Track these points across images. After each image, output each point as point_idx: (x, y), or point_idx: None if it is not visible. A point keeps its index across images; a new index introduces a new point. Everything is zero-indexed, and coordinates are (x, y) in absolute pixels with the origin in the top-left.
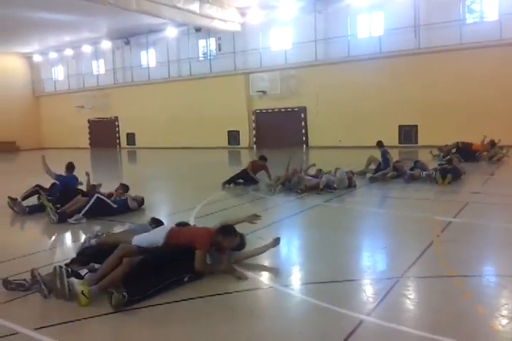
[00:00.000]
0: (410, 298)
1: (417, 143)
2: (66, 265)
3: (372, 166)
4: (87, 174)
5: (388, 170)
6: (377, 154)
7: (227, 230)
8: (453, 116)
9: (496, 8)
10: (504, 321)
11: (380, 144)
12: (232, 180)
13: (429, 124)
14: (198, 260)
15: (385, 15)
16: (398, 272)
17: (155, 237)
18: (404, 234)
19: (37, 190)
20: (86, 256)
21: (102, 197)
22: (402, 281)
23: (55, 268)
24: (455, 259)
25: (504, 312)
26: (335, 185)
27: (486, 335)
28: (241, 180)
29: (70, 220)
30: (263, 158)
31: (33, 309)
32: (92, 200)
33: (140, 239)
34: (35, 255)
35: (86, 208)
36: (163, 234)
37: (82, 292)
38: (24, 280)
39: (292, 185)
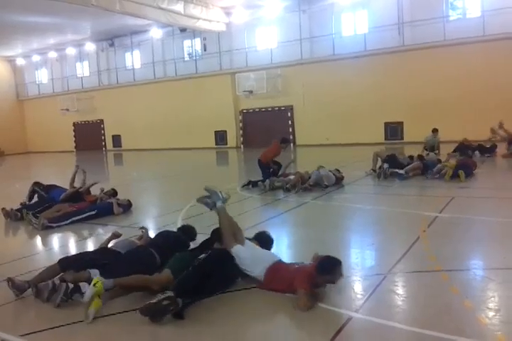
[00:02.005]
0: (398, 293)
1: (402, 139)
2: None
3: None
4: (84, 172)
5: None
6: (380, 150)
7: (327, 269)
8: (438, 112)
9: (478, 5)
10: (491, 313)
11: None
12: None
13: (414, 121)
14: (301, 299)
15: (369, 13)
16: (385, 268)
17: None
18: (391, 230)
19: (34, 189)
20: (86, 260)
21: (93, 212)
22: (390, 277)
23: (53, 283)
24: (441, 254)
25: (490, 305)
26: (326, 183)
27: (473, 328)
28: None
29: (54, 225)
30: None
31: (19, 315)
32: (85, 215)
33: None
34: (21, 260)
35: (76, 218)
36: (264, 269)
37: (94, 285)
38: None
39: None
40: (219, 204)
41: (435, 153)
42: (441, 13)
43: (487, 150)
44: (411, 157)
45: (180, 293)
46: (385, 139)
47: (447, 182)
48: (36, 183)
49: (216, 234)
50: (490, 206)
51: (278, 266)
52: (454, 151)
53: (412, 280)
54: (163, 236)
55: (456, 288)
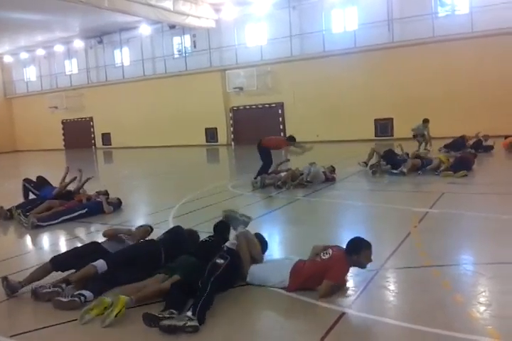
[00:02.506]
0: (390, 289)
1: (392, 135)
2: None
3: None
4: (80, 170)
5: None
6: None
7: (355, 248)
8: (427, 108)
9: (466, 2)
10: (482, 308)
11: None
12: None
13: (404, 117)
14: (325, 291)
15: (358, 9)
16: (377, 264)
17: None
18: (382, 226)
19: (24, 184)
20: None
21: (83, 211)
22: (381, 273)
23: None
24: (432, 249)
25: (481, 300)
26: (308, 179)
27: (465, 323)
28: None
29: (43, 223)
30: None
31: (9, 315)
32: (76, 214)
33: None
34: (11, 259)
35: (66, 217)
36: (287, 274)
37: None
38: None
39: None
40: (240, 229)
41: (427, 149)
42: (430, 10)
43: (483, 147)
44: (408, 154)
45: (202, 320)
46: (375, 136)
47: (441, 178)
48: (26, 180)
49: (221, 233)
50: (479, 201)
51: (300, 265)
52: (446, 147)
53: (403, 276)
54: (175, 233)
55: (448, 283)
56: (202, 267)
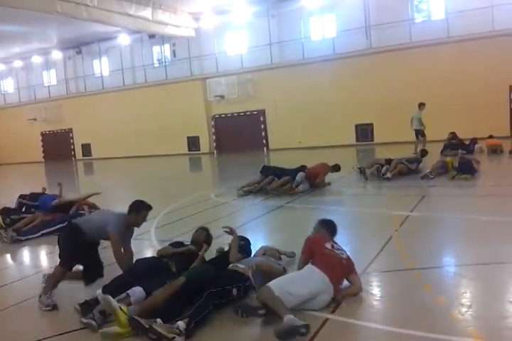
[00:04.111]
0: (373, 293)
1: (373, 140)
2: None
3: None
4: (60, 184)
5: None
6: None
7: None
8: (406, 112)
9: (442, 7)
10: (463, 309)
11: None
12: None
13: (384, 122)
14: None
15: (336, 17)
16: (360, 268)
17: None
18: (365, 230)
19: (21, 202)
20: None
21: (63, 224)
22: (364, 277)
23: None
24: (414, 252)
25: (463, 301)
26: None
27: (447, 324)
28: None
29: (23, 238)
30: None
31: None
32: (55, 228)
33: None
34: None
35: (46, 231)
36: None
37: (120, 307)
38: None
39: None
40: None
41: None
42: (406, 16)
43: (465, 147)
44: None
45: (190, 335)
46: (356, 141)
47: (422, 182)
48: (21, 196)
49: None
50: (459, 203)
51: (326, 268)
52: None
53: (386, 280)
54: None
55: (430, 285)
56: (212, 272)
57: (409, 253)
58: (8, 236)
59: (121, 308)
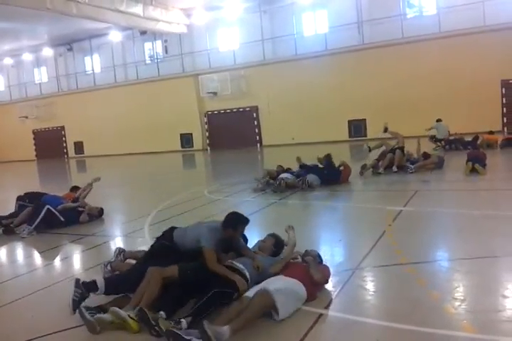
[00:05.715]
0: (367, 288)
1: (366, 136)
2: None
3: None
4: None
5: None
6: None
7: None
8: (399, 108)
9: (434, 3)
10: (456, 303)
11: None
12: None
13: (377, 117)
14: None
15: (328, 12)
16: (354, 263)
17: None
18: (358, 225)
19: (19, 204)
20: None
21: (52, 209)
22: (358, 272)
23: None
24: (407, 247)
25: (456, 295)
26: (315, 183)
27: (440, 318)
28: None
29: (22, 234)
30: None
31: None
32: (43, 212)
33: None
34: None
35: (38, 220)
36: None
37: (129, 316)
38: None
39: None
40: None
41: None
42: (398, 11)
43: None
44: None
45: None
46: (349, 137)
47: (415, 176)
48: (19, 198)
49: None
50: (451, 198)
51: (294, 274)
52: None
53: (379, 275)
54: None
55: (423, 280)
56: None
57: (403, 248)
58: (25, 232)
59: (129, 316)
